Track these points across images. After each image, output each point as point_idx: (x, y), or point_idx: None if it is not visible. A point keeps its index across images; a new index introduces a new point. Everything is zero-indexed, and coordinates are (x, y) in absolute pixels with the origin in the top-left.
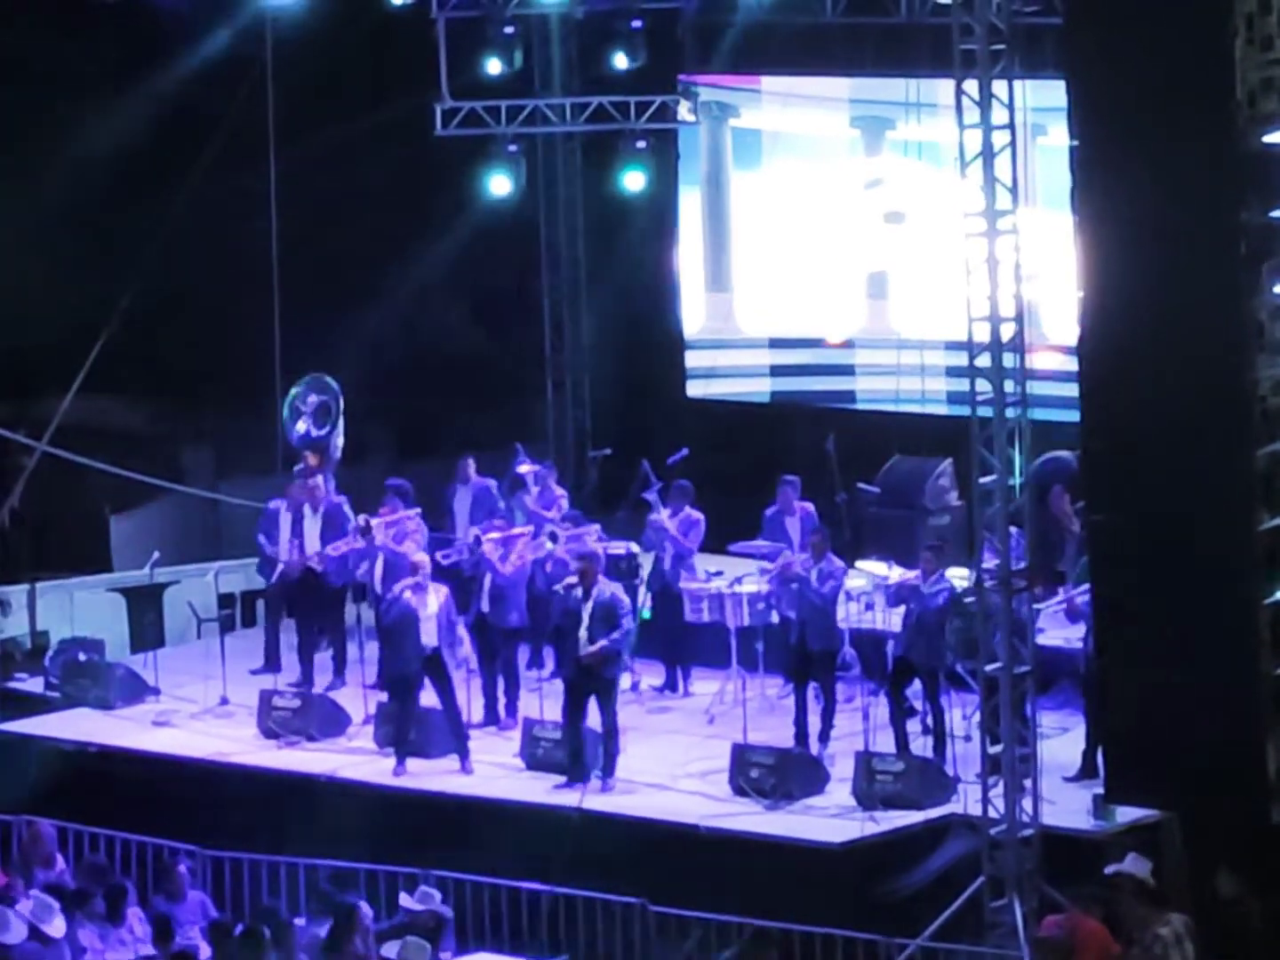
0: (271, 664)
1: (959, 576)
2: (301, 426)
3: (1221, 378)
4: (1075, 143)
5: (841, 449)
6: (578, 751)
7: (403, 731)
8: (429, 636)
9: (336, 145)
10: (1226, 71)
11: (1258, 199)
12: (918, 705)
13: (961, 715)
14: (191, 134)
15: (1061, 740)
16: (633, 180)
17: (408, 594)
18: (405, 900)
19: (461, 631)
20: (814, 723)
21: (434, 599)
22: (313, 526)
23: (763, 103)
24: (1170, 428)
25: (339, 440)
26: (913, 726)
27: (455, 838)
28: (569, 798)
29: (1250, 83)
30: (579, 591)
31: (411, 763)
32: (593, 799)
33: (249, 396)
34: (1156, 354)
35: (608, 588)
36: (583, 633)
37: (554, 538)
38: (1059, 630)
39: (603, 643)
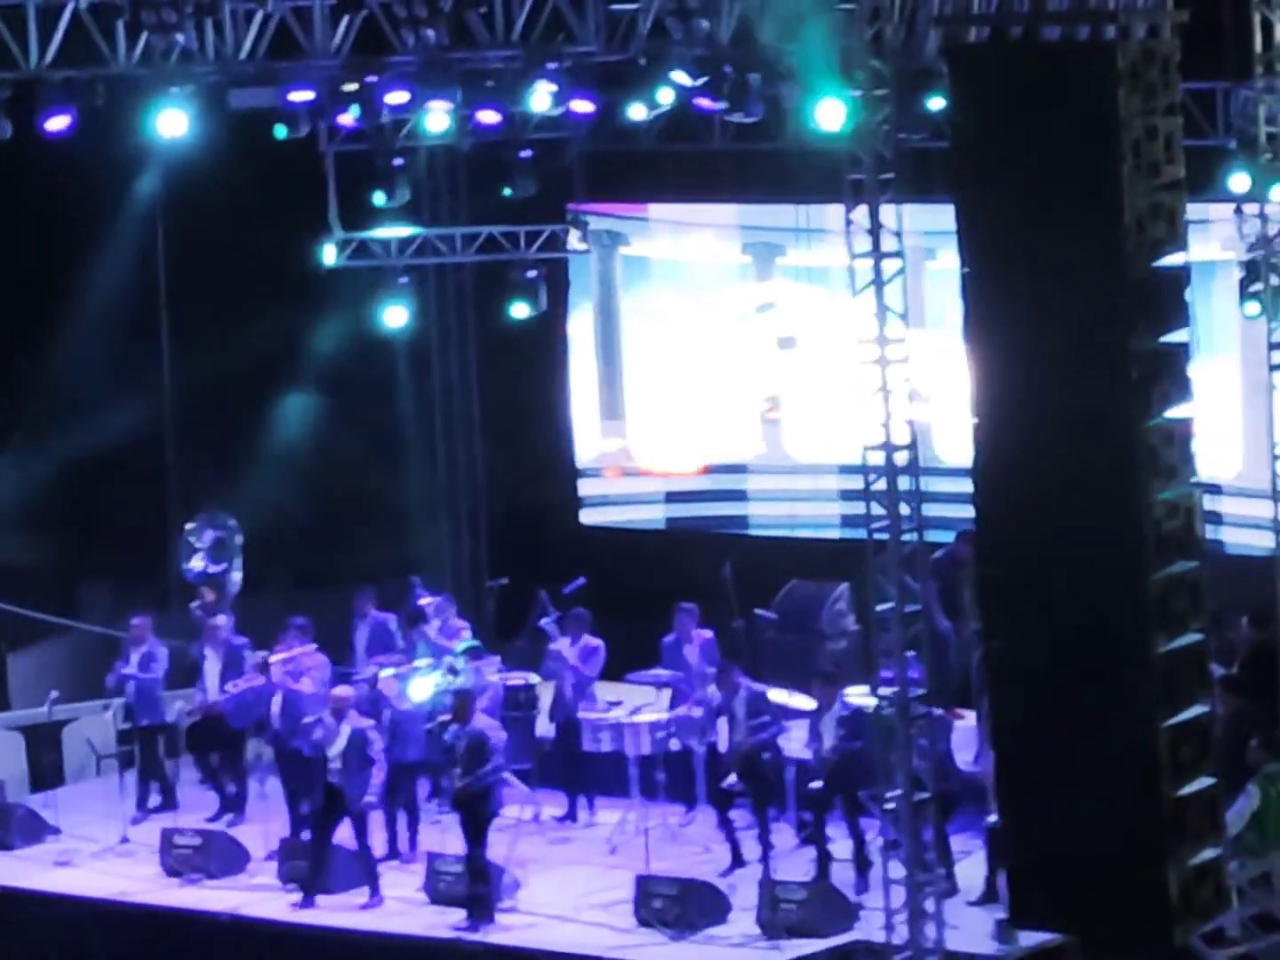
0: (168, 802)
1: (858, 695)
2: (198, 564)
3: (1115, 502)
4: (965, 270)
5: (738, 575)
6: (482, 883)
7: (315, 866)
8: (334, 775)
9: (227, 279)
10: (1114, 197)
11: (1147, 324)
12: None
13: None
14: (76, 268)
15: (964, 864)
16: (519, 310)
17: (318, 733)
18: None
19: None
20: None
21: (343, 736)
22: (213, 666)
23: (652, 230)
24: (1066, 552)
25: (236, 575)
26: (810, 854)
27: None
28: (473, 933)
29: (1138, 208)
30: (454, 728)
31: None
32: (496, 933)
33: (144, 531)
34: (1050, 479)
35: (480, 722)
36: (456, 769)
37: (453, 670)
38: (959, 754)
39: (468, 780)
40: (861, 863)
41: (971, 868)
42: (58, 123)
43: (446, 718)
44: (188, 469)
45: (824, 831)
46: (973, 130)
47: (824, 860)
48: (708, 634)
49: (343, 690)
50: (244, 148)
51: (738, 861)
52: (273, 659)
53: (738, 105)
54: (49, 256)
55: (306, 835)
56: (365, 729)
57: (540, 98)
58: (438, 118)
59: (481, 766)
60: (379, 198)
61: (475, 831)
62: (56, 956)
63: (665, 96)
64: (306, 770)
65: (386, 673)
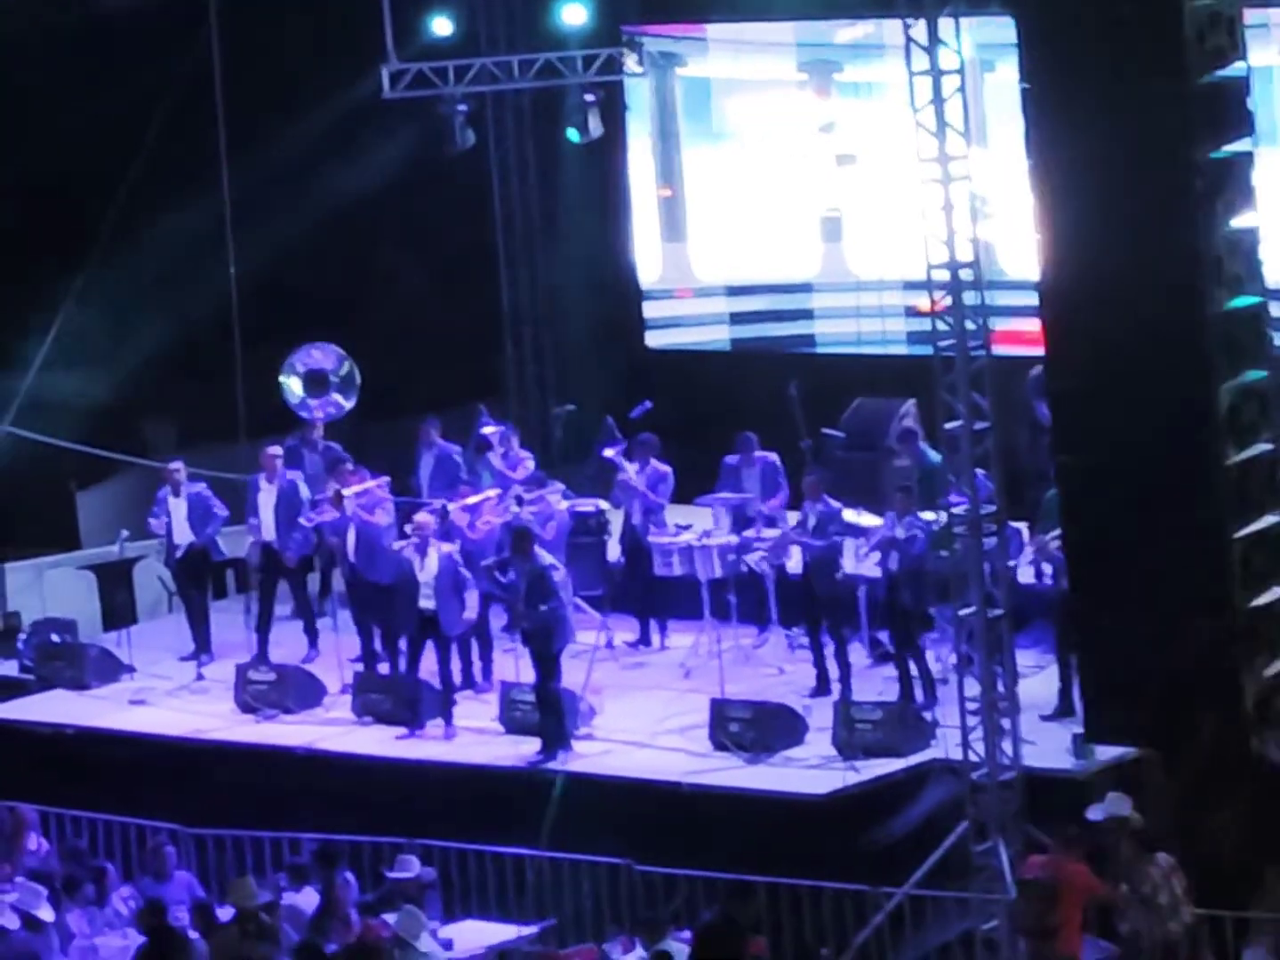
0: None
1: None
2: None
3: (1182, 312)
4: (1026, 85)
5: (804, 393)
6: (551, 715)
7: (411, 695)
8: (426, 600)
9: (286, 111)
10: (1174, 7)
11: (1209, 135)
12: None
13: (935, 658)
14: (138, 103)
15: (1038, 679)
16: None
17: (409, 551)
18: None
19: (470, 597)
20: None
21: (432, 561)
22: (268, 500)
23: (709, 51)
24: (1134, 365)
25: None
26: (887, 672)
27: (438, 805)
28: (549, 762)
29: (1198, 18)
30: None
31: (390, 730)
32: (572, 761)
33: (209, 364)
34: (1117, 292)
35: (542, 557)
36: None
37: (520, 501)
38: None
39: (532, 616)
40: (929, 681)
41: (1046, 682)
42: None
43: (492, 561)
44: (250, 299)
45: (905, 650)
46: None
47: (905, 678)
48: (770, 456)
49: (424, 517)
50: None
51: (823, 687)
52: (346, 491)
53: None
54: (109, 94)
55: (383, 668)
56: (452, 554)
57: None
58: None
59: (544, 602)
60: (436, 26)
61: (544, 664)
62: (135, 794)
63: None
64: (384, 601)
65: (454, 506)
